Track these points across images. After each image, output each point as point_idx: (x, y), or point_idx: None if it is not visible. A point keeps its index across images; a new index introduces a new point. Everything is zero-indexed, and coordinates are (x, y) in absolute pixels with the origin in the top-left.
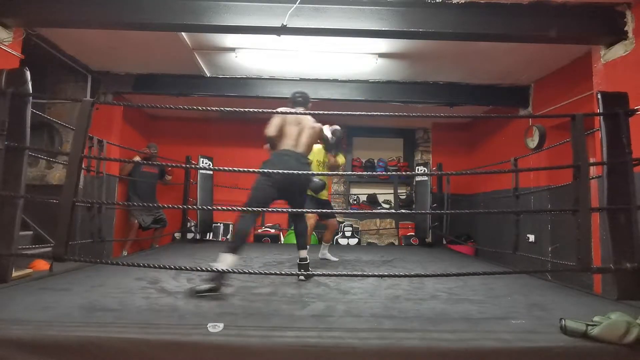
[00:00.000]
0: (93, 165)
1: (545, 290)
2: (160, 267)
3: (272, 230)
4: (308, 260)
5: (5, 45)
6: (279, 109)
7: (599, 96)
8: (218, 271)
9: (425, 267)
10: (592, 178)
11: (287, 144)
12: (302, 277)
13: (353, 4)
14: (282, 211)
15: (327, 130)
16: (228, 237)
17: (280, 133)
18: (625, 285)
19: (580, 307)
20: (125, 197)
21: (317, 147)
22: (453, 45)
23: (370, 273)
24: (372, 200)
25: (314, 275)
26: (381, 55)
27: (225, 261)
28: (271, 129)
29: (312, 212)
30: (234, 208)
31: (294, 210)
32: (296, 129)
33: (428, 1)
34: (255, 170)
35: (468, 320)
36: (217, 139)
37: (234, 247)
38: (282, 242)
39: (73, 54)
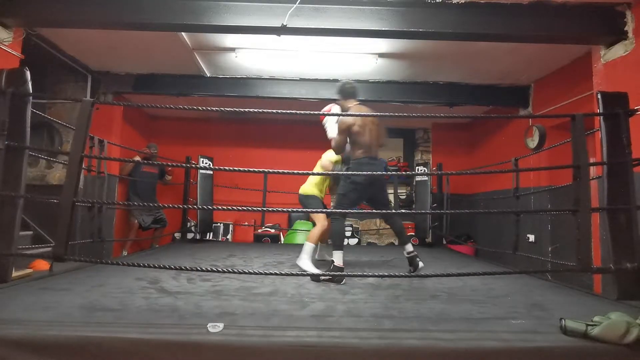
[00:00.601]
0: (93, 165)
1: (545, 290)
2: (160, 267)
3: (272, 230)
4: (415, 252)
5: (5, 45)
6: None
7: (599, 96)
8: (337, 267)
9: (425, 267)
10: (593, 179)
11: (363, 149)
12: (421, 264)
13: (353, 4)
14: (283, 211)
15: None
16: (228, 237)
17: (353, 138)
18: (625, 285)
19: (580, 307)
20: (126, 197)
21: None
22: (453, 45)
23: (370, 273)
24: None
25: (418, 268)
26: (381, 55)
27: (338, 257)
28: (340, 143)
29: (315, 212)
30: (234, 208)
31: (294, 210)
32: (364, 129)
33: (428, 1)
34: (255, 169)
35: (468, 320)
36: (217, 139)
37: (339, 245)
38: (282, 242)
39: (73, 54)
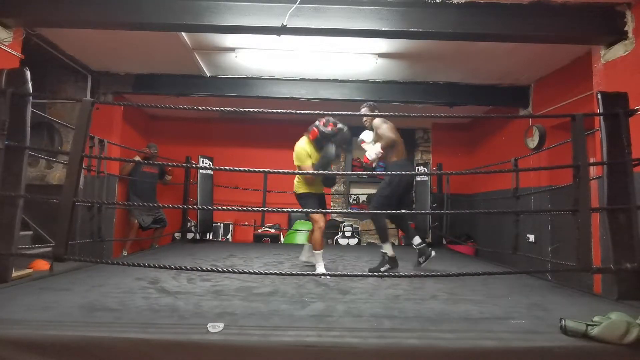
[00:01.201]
0: (93, 165)
1: (545, 290)
2: (160, 267)
3: (272, 230)
4: (424, 243)
5: (5, 45)
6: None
7: (599, 96)
8: (388, 257)
9: (425, 267)
10: (593, 179)
11: (401, 152)
12: (433, 253)
13: (353, 4)
14: (283, 211)
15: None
16: (228, 237)
17: (393, 146)
18: (625, 285)
19: (580, 307)
20: (126, 197)
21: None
22: (453, 45)
23: (370, 273)
24: None
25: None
26: (381, 55)
27: (388, 249)
28: (393, 136)
29: (315, 212)
30: (234, 208)
31: (294, 210)
32: (398, 138)
33: (428, 1)
34: (255, 169)
35: (468, 320)
36: (217, 139)
37: (385, 238)
38: (282, 242)
39: (73, 54)
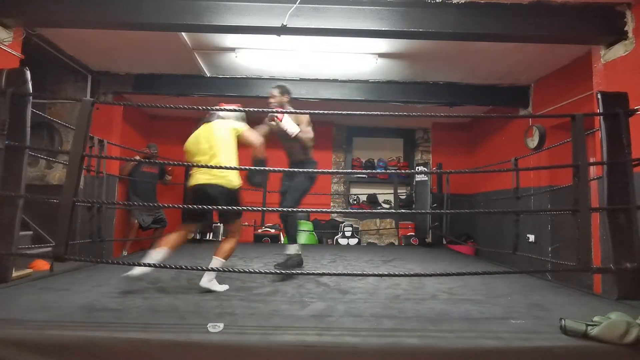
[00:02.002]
0: (93, 165)
1: (545, 290)
2: (160, 267)
3: (272, 230)
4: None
5: (5, 45)
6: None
7: (599, 96)
8: (299, 255)
9: (425, 267)
10: (593, 179)
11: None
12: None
13: (353, 4)
14: (283, 211)
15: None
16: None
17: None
18: (625, 285)
19: (580, 307)
20: (126, 197)
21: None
22: (453, 45)
23: (370, 273)
24: (372, 200)
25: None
26: (381, 55)
27: (295, 249)
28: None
29: (310, 212)
30: (234, 208)
31: (294, 210)
32: None
33: (428, 1)
34: (255, 167)
35: (468, 320)
36: None
37: (296, 239)
38: (282, 242)
39: (73, 54)
